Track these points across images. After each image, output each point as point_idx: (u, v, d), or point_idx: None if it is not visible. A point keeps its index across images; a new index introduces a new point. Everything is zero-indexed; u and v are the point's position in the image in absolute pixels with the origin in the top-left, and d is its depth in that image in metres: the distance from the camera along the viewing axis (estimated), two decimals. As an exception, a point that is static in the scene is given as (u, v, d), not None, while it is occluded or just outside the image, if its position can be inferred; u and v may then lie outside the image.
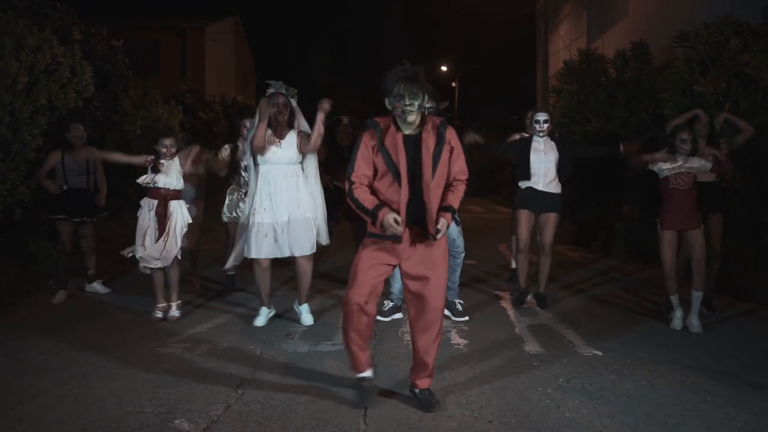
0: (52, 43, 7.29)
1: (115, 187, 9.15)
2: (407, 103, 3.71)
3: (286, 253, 5.72)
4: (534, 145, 6.53)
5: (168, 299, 6.15)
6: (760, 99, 7.57)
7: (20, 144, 7.02)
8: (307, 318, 5.90)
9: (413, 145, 3.78)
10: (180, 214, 6.09)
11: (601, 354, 5.05)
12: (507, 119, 32.53)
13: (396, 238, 3.78)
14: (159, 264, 5.99)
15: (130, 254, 6.10)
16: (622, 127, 10.56)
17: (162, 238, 5.95)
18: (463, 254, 6.21)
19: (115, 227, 9.37)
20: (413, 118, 3.75)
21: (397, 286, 6.00)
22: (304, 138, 5.74)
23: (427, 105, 5.11)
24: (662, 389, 4.28)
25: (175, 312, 6.09)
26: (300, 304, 5.98)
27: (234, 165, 6.92)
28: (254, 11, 39.55)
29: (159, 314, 6.07)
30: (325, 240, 5.97)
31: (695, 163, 5.74)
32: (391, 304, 6.09)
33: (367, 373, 4.05)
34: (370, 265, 3.85)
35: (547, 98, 16.66)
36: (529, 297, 6.64)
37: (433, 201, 3.76)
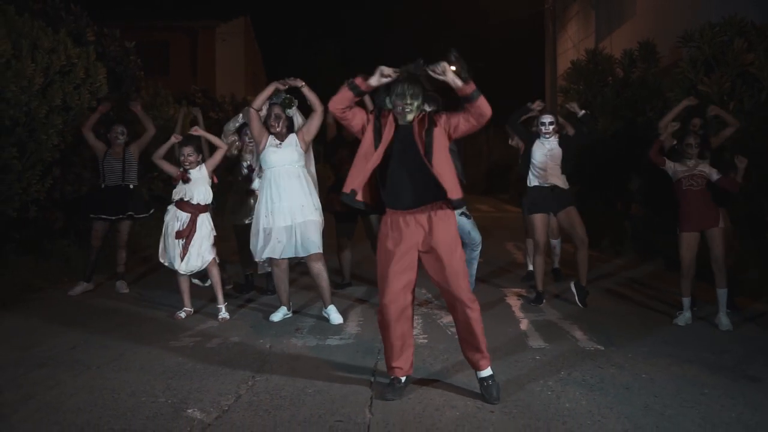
0: (66, 44, 7.43)
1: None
2: (408, 102, 3.94)
3: (295, 254, 5.82)
4: (538, 142, 6.62)
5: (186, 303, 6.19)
6: (764, 98, 7.64)
7: (35, 143, 7.16)
8: (336, 317, 5.90)
9: (406, 131, 3.99)
10: (206, 226, 6.12)
11: (602, 348, 5.16)
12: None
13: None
14: (183, 270, 6.06)
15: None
16: (629, 126, 10.65)
17: (187, 250, 6.00)
18: (480, 247, 6.35)
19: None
20: (412, 117, 3.98)
21: None
22: (305, 129, 5.86)
23: (430, 109, 5.10)
24: (661, 382, 4.38)
25: (224, 314, 6.07)
26: (326, 307, 5.99)
27: (232, 166, 6.98)
28: (264, 11, 39.69)
29: (182, 314, 6.09)
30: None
31: (705, 168, 5.83)
32: None
33: (401, 380, 4.16)
34: (397, 263, 4.01)
35: (555, 98, 16.73)
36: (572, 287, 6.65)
37: (440, 175, 3.89)
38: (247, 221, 6.71)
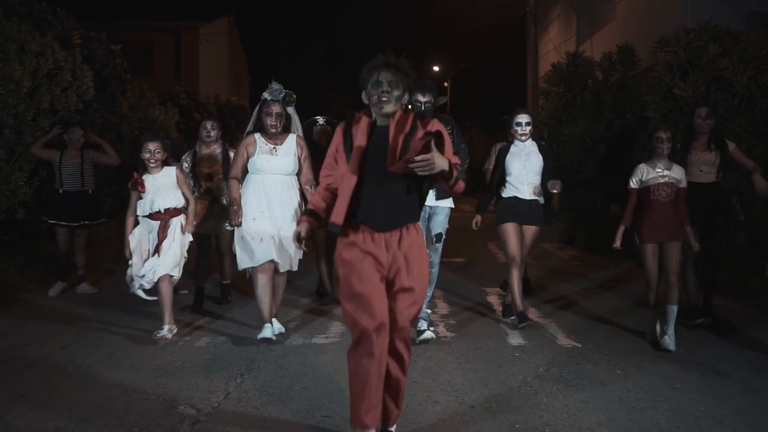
0: (54, 48, 7.52)
1: (111, 188, 9.38)
2: (385, 89, 3.18)
3: (274, 257, 5.27)
4: (513, 150, 5.93)
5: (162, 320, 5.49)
6: (738, 103, 7.86)
7: (23, 146, 7.25)
8: (278, 327, 5.52)
9: (382, 135, 3.24)
10: (179, 231, 5.52)
11: (580, 345, 5.34)
12: (498, 119, 32.93)
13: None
14: (145, 284, 5.43)
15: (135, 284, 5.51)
16: (608, 128, 10.87)
17: (155, 254, 5.40)
18: (436, 269, 5.54)
19: (113, 227, 9.59)
20: (390, 108, 3.21)
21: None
22: (304, 147, 5.41)
23: (424, 100, 5.17)
24: (635, 377, 4.57)
25: (164, 333, 5.40)
26: (268, 320, 5.39)
27: (193, 175, 6.35)
28: (247, 11, 39.71)
29: (168, 334, 5.43)
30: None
31: (677, 173, 5.36)
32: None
33: None
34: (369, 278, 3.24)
35: (536, 99, 16.95)
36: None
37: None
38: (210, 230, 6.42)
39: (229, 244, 6.14)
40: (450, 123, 5.21)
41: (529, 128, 5.89)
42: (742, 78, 7.79)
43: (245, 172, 5.39)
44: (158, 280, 5.38)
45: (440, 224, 5.47)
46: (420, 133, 3.11)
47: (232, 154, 6.28)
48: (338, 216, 3.22)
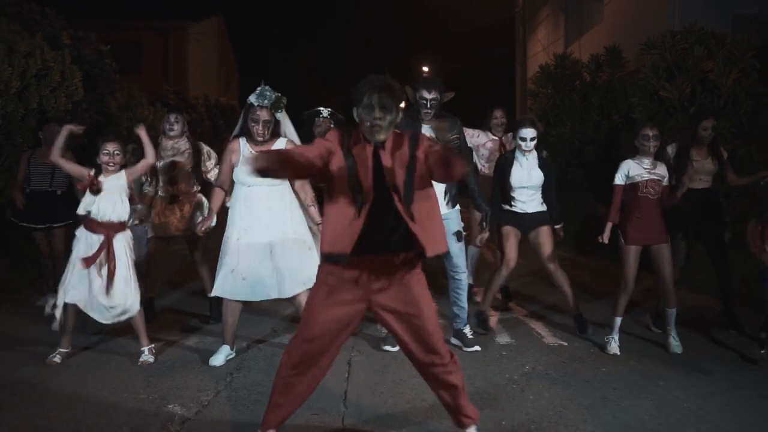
0: (43, 48, 7.54)
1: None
2: (377, 116, 3.07)
3: (270, 295, 4.86)
4: (516, 163, 5.75)
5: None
6: (723, 104, 7.96)
7: (12, 146, 7.25)
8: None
9: (379, 159, 3.13)
10: (124, 254, 4.87)
11: (566, 344, 5.42)
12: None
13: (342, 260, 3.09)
14: (110, 318, 4.87)
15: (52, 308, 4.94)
16: (595, 130, 10.96)
17: (110, 285, 4.77)
18: (465, 274, 5.38)
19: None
20: (383, 137, 3.11)
21: None
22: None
23: (430, 97, 5.03)
24: (620, 375, 4.64)
25: (147, 356, 4.93)
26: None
27: (153, 171, 5.87)
28: (237, 10, 39.65)
29: (57, 359, 4.85)
30: None
31: (663, 170, 5.28)
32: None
33: None
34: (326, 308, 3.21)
35: (525, 100, 17.03)
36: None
37: (417, 219, 3.08)
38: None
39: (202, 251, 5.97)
40: (455, 122, 5.27)
41: (533, 143, 5.65)
42: (727, 80, 7.89)
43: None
44: None
45: (456, 224, 5.28)
46: (421, 159, 3.09)
47: (206, 151, 6.13)
48: (344, 246, 3.04)
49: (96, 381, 4.49)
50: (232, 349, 5.00)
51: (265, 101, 4.79)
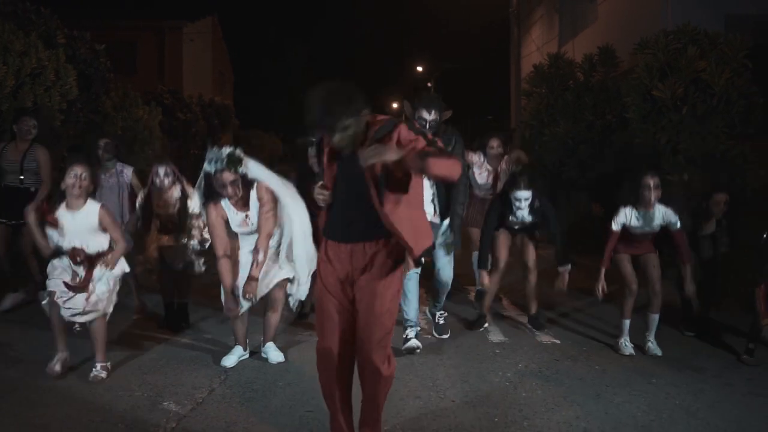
0: (37, 47, 7.52)
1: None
2: (336, 139, 3.09)
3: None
4: (513, 208, 5.66)
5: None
6: (716, 104, 8.00)
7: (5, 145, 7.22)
8: (275, 356, 4.96)
9: (351, 161, 3.11)
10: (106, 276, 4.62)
11: (559, 342, 5.45)
12: (482, 119, 33.09)
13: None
14: (81, 318, 4.59)
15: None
16: (589, 129, 10.99)
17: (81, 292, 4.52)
18: (449, 283, 5.47)
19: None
20: (351, 148, 3.11)
21: (412, 312, 5.17)
22: (264, 190, 4.73)
23: (430, 118, 4.98)
24: (612, 373, 4.68)
25: (101, 372, 4.55)
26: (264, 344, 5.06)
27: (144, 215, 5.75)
28: (232, 10, 39.65)
29: (57, 367, 4.56)
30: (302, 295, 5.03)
31: (659, 221, 5.16)
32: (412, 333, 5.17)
33: None
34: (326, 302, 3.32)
35: (519, 100, 17.08)
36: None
37: (394, 219, 3.09)
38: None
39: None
40: (451, 138, 5.21)
41: (527, 202, 5.54)
42: (719, 80, 7.92)
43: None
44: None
45: (444, 235, 5.24)
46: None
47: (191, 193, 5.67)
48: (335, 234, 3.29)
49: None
50: (245, 349, 4.97)
51: (220, 164, 4.54)
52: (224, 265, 4.74)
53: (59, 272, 4.53)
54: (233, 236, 4.89)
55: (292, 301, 5.03)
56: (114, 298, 4.72)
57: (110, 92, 10.52)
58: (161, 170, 5.61)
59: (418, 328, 5.22)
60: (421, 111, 5.05)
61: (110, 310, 4.69)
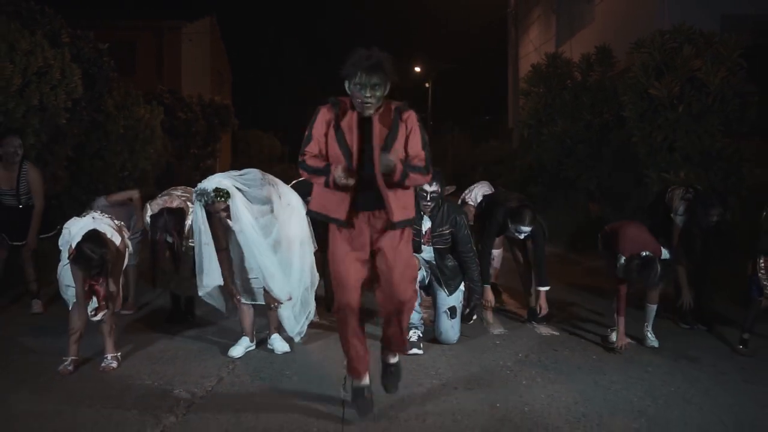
0: (43, 46, 7.62)
1: (80, 199, 9.22)
2: (368, 95, 3.40)
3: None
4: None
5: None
6: (711, 103, 8.14)
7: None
8: (281, 346, 5.11)
9: (368, 127, 3.52)
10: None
11: (557, 334, 5.58)
12: (480, 119, 33.23)
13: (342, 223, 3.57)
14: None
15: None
16: (586, 128, 11.14)
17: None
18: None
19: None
20: (372, 111, 3.47)
21: (416, 316, 5.24)
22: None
23: (431, 190, 5.02)
24: (610, 362, 4.82)
25: (111, 362, 4.70)
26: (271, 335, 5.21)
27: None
28: (230, 10, 39.74)
29: (71, 367, 4.60)
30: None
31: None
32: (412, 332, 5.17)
33: (365, 381, 3.82)
34: (346, 262, 3.65)
35: (517, 99, 17.22)
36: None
37: (387, 187, 3.49)
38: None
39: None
40: (454, 220, 5.21)
41: (525, 234, 5.72)
42: (715, 78, 8.07)
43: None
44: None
45: (454, 300, 5.29)
46: (403, 130, 3.53)
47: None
48: (341, 212, 3.55)
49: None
50: (252, 341, 5.10)
51: (208, 200, 4.65)
52: (224, 255, 4.92)
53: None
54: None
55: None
56: (121, 293, 4.89)
57: (113, 91, 10.63)
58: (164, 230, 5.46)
59: (420, 332, 5.23)
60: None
61: (119, 304, 4.90)
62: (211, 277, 4.87)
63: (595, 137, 10.97)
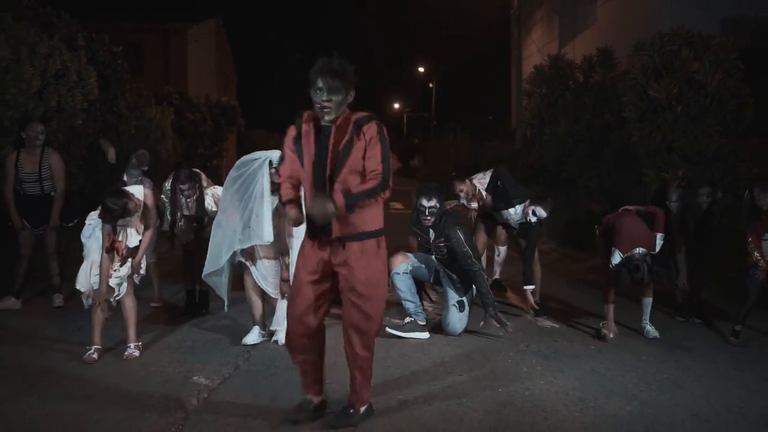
0: (61, 49, 7.89)
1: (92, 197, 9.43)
2: (325, 98, 3.33)
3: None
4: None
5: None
6: (708, 104, 8.35)
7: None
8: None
9: (325, 137, 3.44)
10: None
11: (557, 326, 5.85)
12: (483, 120, 33.41)
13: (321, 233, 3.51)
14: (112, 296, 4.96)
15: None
16: (588, 128, 11.35)
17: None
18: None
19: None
20: (332, 116, 3.38)
21: (411, 306, 5.58)
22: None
23: (428, 205, 5.25)
24: (606, 352, 5.08)
25: (134, 351, 4.96)
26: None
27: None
28: (235, 12, 40.01)
29: (95, 355, 4.83)
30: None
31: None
32: (409, 320, 5.61)
33: (314, 402, 3.87)
34: (306, 275, 3.64)
35: (520, 100, 17.44)
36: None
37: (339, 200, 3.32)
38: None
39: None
40: (449, 235, 5.36)
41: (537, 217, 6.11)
42: (712, 80, 8.28)
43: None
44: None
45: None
46: (361, 142, 3.40)
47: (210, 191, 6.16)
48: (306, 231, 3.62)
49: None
50: (263, 329, 5.33)
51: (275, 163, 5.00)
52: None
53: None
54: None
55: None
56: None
57: (125, 93, 10.90)
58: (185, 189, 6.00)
59: (420, 318, 5.52)
60: (420, 198, 5.35)
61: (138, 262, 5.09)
62: (258, 234, 4.95)
63: (597, 137, 11.17)
